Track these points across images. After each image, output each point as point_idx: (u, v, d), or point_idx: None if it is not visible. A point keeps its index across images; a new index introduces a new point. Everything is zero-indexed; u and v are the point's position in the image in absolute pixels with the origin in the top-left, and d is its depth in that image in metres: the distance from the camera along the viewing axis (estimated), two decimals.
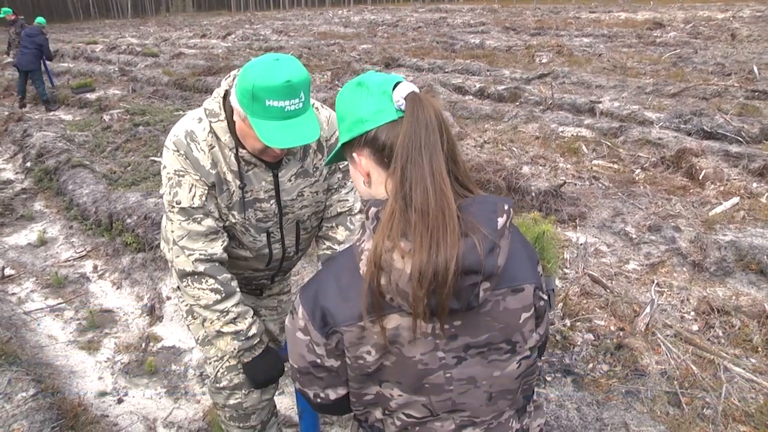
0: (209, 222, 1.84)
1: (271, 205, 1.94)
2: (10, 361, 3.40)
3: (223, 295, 1.88)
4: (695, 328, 3.79)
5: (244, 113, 1.64)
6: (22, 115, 10.43)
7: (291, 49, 18.96)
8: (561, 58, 14.50)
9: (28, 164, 7.90)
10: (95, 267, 5.19)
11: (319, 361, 1.18)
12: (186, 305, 2.21)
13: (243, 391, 2.25)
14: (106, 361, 3.84)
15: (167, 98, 12.49)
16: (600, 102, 9.45)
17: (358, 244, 1.14)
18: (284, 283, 2.55)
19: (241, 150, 1.81)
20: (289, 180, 1.94)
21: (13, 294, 4.75)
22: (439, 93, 10.53)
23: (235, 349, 1.94)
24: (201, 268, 1.85)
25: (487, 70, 13.16)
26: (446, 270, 0.99)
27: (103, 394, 3.51)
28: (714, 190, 5.87)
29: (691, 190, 6.01)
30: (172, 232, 1.85)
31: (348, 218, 2.17)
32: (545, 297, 1.22)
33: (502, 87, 10.94)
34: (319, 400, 1.26)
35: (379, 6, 62.10)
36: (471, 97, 10.88)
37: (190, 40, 25.64)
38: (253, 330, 1.95)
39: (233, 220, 1.90)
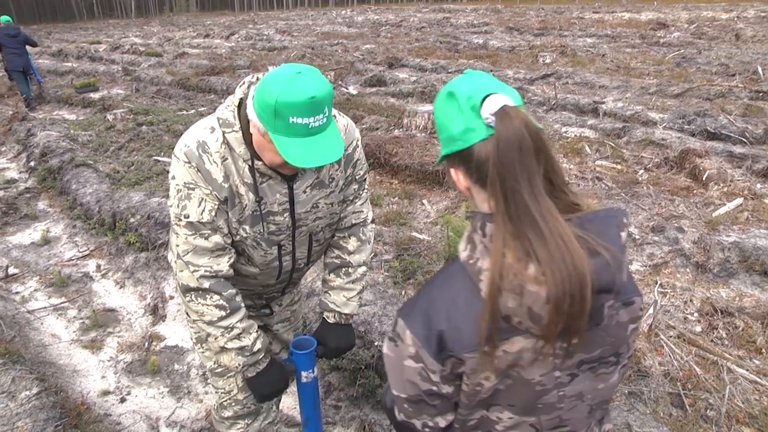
0: (216, 238, 1.77)
1: (285, 218, 1.86)
2: (14, 359, 3.41)
3: (228, 311, 1.82)
4: (698, 329, 3.78)
5: (264, 128, 1.56)
6: (26, 114, 10.45)
7: (294, 49, 18.98)
8: (564, 58, 14.49)
9: (32, 163, 7.92)
10: (98, 266, 5.20)
11: (435, 389, 1.12)
12: (196, 332, 2.16)
13: (246, 421, 2.28)
14: (109, 360, 3.85)
15: (170, 98, 12.51)
16: (603, 102, 9.44)
17: (471, 261, 1.07)
18: (294, 292, 2.53)
19: (256, 162, 1.73)
20: (304, 192, 1.85)
21: (17, 293, 4.76)
22: None
23: (239, 365, 1.90)
24: (206, 284, 1.79)
25: (491, 71, 13.14)
26: (582, 291, 0.96)
27: (106, 393, 3.52)
28: (717, 191, 5.85)
29: (694, 191, 6.00)
30: (177, 246, 1.78)
31: (361, 229, 2.12)
32: (642, 308, 1.20)
33: None
34: (427, 429, 1.20)
35: (383, 6, 62.11)
36: None
37: (193, 40, 25.68)
38: (258, 345, 1.91)
39: (244, 235, 1.83)
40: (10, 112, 10.68)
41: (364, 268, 2.14)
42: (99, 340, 4.08)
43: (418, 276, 4.32)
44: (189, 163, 1.71)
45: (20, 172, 8.05)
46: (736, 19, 23.79)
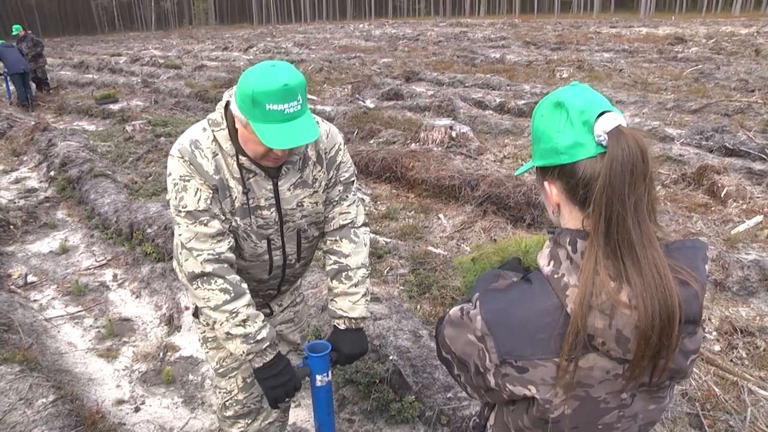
0: (216, 224, 1.86)
1: (272, 213, 1.97)
2: (32, 366, 3.44)
3: (233, 295, 1.88)
4: (717, 348, 3.72)
5: (245, 119, 1.70)
6: (48, 124, 10.62)
7: (312, 62, 19.12)
8: (581, 73, 14.46)
9: (52, 173, 8.03)
10: (115, 276, 5.24)
11: (482, 370, 1.11)
12: (202, 332, 2.26)
13: (246, 420, 2.35)
14: (124, 370, 3.87)
15: (189, 110, 12.64)
16: None
17: (556, 277, 1.05)
18: (296, 293, 2.56)
19: (241, 157, 1.86)
20: (288, 189, 1.97)
21: (35, 300, 4.81)
22: (459, 107, 10.54)
23: (244, 352, 1.93)
24: (209, 268, 1.86)
25: (508, 85, 13.15)
26: (671, 325, 0.97)
27: (120, 402, 3.54)
28: (736, 208, 5.79)
29: (712, 208, 5.93)
30: (180, 235, 1.88)
31: (351, 231, 2.17)
32: (704, 337, 1.21)
33: (522, 102, 10.93)
34: (462, 378, 1.21)
35: (400, 20, 62.48)
36: (491, 111, 10.88)
37: (212, 53, 25.98)
38: (263, 334, 1.93)
39: (235, 225, 1.93)
40: (33, 123, 10.85)
41: (363, 270, 2.17)
42: (114, 350, 4.10)
43: (433, 290, 4.30)
44: (182, 158, 1.85)
45: (40, 182, 8.17)
46: (756, 34, 23.65)
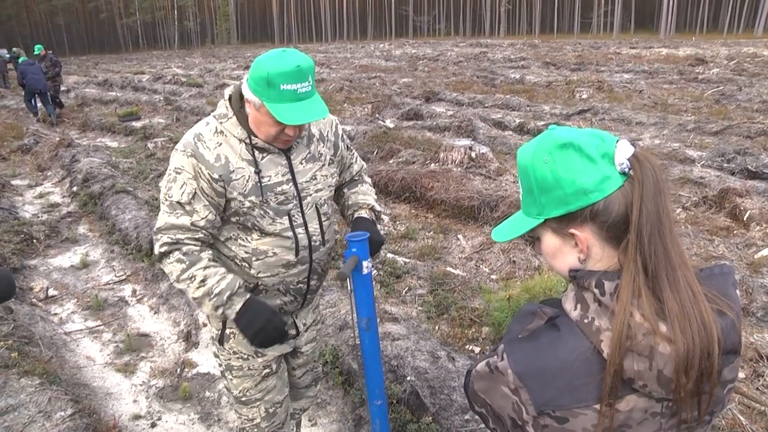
0: (185, 219, 1.96)
1: (290, 186, 2.05)
2: (51, 380, 3.47)
3: (188, 263, 1.96)
4: (742, 375, 3.65)
5: (259, 101, 1.83)
6: (72, 141, 10.80)
7: (333, 81, 19.29)
8: (601, 93, 14.42)
9: (75, 188, 8.15)
10: (134, 291, 5.28)
11: (519, 423, 1.07)
12: (227, 359, 2.30)
13: None
14: (141, 385, 3.88)
15: None
16: (640, 139, 9.33)
17: (586, 321, 1.01)
18: (317, 311, 2.56)
19: (254, 138, 1.97)
20: (301, 163, 2.09)
21: (55, 314, 4.86)
22: (479, 128, 10.55)
23: (213, 308, 1.97)
24: (165, 248, 1.97)
25: (527, 106, 13.15)
26: (711, 355, 0.94)
27: (137, 417, 3.54)
28: (760, 232, 5.70)
29: (735, 232, 5.85)
30: (158, 219, 2.02)
31: (362, 178, 2.45)
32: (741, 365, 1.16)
33: (542, 122, 10.91)
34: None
35: (421, 40, 62.90)
36: (511, 132, 10.87)
37: (233, 72, 26.30)
38: (221, 286, 1.95)
39: (249, 205, 1.99)
40: (57, 139, 11.04)
41: (374, 197, 2.43)
42: (132, 365, 4.12)
43: (452, 311, 4.28)
44: (185, 151, 1.95)
45: (63, 197, 8.29)
46: None
